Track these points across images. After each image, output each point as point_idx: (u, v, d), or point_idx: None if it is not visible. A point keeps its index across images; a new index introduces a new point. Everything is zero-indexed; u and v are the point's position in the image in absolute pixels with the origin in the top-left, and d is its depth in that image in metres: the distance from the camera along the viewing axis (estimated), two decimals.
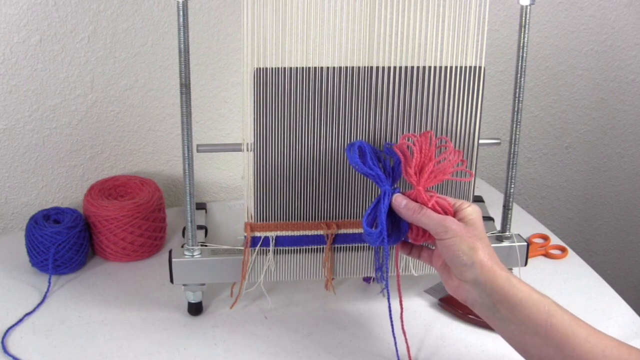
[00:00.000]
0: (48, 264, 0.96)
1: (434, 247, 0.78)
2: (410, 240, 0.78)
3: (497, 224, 0.96)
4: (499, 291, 0.68)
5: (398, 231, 0.77)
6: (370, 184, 0.86)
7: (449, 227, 0.71)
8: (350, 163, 0.78)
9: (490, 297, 0.69)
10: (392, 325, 0.81)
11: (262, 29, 0.79)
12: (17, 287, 0.96)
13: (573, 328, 0.66)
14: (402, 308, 0.81)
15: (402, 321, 0.81)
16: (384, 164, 0.79)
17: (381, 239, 0.75)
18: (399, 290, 0.81)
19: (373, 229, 0.76)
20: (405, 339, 0.81)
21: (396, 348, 0.81)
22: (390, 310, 0.80)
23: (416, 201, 0.75)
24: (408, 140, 0.78)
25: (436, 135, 0.84)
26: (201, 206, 1.14)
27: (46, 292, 0.94)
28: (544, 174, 1.49)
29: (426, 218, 0.73)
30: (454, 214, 0.74)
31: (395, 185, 0.78)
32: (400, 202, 0.75)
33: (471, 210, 0.74)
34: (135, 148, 1.15)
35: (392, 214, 0.76)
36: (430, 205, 0.74)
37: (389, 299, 0.79)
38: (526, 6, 0.84)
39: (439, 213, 0.73)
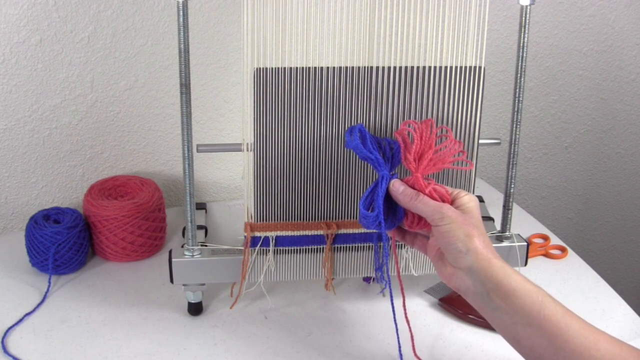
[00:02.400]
0: (48, 264, 0.96)
1: (429, 236, 0.77)
2: (405, 227, 0.78)
3: (497, 224, 0.96)
4: (493, 280, 0.68)
5: (394, 217, 0.77)
6: (370, 182, 0.86)
7: (445, 213, 0.71)
8: (350, 146, 0.78)
9: (484, 286, 0.68)
10: (394, 317, 0.80)
11: (262, 29, 0.79)
12: (17, 287, 0.96)
13: (566, 320, 0.66)
14: (404, 298, 0.80)
15: (404, 310, 0.80)
16: (383, 150, 0.78)
17: (377, 222, 0.75)
18: (399, 278, 0.79)
19: (370, 212, 0.76)
20: (409, 328, 0.80)
21: (398, 339, 0.80)
22: (392, 304, 0.79)
23: (414, 188, 0.74)
24: (409, 126, 0.77)
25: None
26: (201, 206, 1.15)
27: (46, 292, 0.94)
28: (544, 174, 1.49)
29: (423, 204, 0.73)
30: (451, 202, 0.74)
31: (394, 171, 0.78)
32: (397, 187, 0.75)
33: (468, 199, 0.73)
34: (135, 148, 1.15)
35: (389, 199, 0.76)
36: (427, 192, 0.74)
37: (390, 292, 0.78)
38: (526, 6, 0.84)
39: (436, 200, 0.73)
